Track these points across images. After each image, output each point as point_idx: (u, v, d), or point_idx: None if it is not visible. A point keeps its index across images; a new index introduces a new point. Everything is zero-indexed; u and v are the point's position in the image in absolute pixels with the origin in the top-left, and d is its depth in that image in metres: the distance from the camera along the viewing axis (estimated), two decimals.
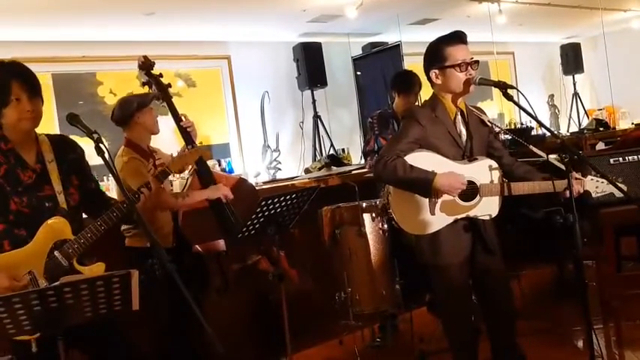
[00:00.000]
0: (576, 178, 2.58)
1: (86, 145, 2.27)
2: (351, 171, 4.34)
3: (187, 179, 3.29)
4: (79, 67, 5.95)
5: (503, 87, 2.58)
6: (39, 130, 2.30)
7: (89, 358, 2.35)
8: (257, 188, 3.98)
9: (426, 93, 2.90)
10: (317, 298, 3.71)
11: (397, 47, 7.22)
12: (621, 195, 2.57)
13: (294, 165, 6.93)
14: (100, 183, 4.60)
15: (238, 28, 6.55)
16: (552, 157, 2.71)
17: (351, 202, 3.54)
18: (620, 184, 2.55)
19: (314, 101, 7.10)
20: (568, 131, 8.38)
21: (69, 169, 2.31)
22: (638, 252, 3.87)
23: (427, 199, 2.65)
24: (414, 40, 6.98)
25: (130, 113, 3.07)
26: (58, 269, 2.14)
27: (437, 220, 2.67)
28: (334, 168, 4.31)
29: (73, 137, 2.45)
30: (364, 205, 3.50)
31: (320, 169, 4.69)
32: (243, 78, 6.97)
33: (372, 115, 4.12)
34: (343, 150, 6.78)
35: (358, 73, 7.75)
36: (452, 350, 2.87)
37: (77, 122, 2.17)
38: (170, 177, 2.85)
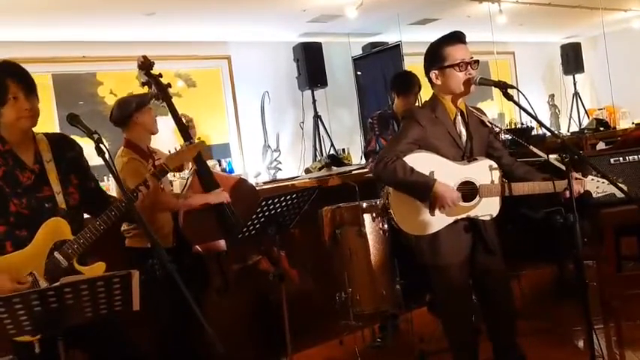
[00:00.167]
0: (576, 178, 2.58)
1: (86, 145, 2.27)
2: (351, 171, 4.34)
3: (187, 179, 3.29)
4: (79, 67, 5.95)
5: (504, 87, 2.57)
6: (38, 129, 2.30)
7: (90, 358, 2.35)
8: (257, 188, 3.98)
9: (426, 94, 2.90)
10: (317, 298, 3.70)
11: (397, 47, 7.22)
12: (622, 195, 2.57)
13: (295, 165, 6.93)
14: (101, 183, 4.61)
15: (238, 28, 6.55)
16: (552, 157, 2.70)
17: (352, 202, 3.54)
18: (620, 184, 2.54)
19: (314, 101, 7.10)
20: (568, 131, 8.38)
21: (68, 168, 2.30)
22: (639, 252, 3.87)
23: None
24: (414, 40, 6.98)
25: (128, 114, 3.07)
26: (59, 270, 2.14)
27: (436, 220, 2.67)
28: (334, 168, 4.31)
29: (73, 137, 2.45)
30: (364, 205, 3.50)
31: (320, 169, 4.69)
32: (244, 78, 6.97)
33: (372, 116, 4.12)
34: (343, 150, 6.78)
35: (358, 73, 7.75)
36: (452, 350, 2.87)
37: (77, 122, 2.17)
38: (170, 177, 2.85)
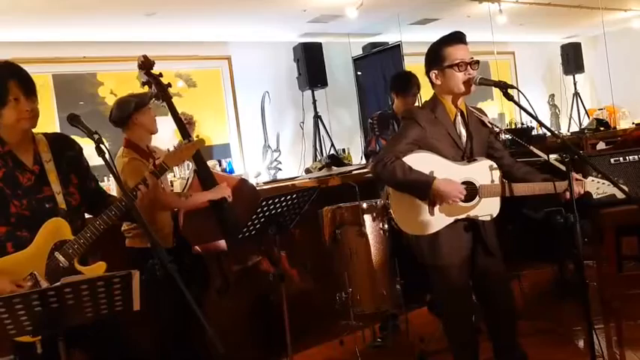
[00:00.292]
0: (576, 179, 2.58)
1: (87, 145, 2.27)
2: (351, 171, 4.34)
3: (188, 179, 3.29)
4: (79, 67, 5.95)
5: (504, 87, 2.58)
6: (38, 129, 2.29)
7: (90, 358, 2.35)
8: (257, 188, 3.98)
9: (427, 94, 2.90)
10: (318, 298, 3.70)
11: (398, 47, 7.22)
12: (623, 195, 2.56)
13: (295, 165, 6.93)
14: (101, 183, 4.61)
15: (239, 29, 6.55)
16: (553, 156, 2.70)
17: (352, 202, 3.54)
18: (621, 185, 2.53)
19: (314, 101, 7.10)
20: (569, 131, 8.37)
21: (67, 168, 2.30)
22: (639, 252, 3.87)
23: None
24: (414, 40, 6.98)
25: (128, 114, 3.06)
26: (59, 270, 2.15)
27: (436, 220, 2.67)
28: (335, 168, 4.31)
29: (73, 138, 2.45)
30: (365, 205, 3.50)
31: (320, 169, 4.69)
32: (244, 78, 6.97)
33: (372, 116, 4.12)
34: (344, 150, 6.79)
35: (359, 73, 7.76)
36: (452, 350, 2.87)
37: (78, 123, 2.17)
38: (170, 177, 2.84)
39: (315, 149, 7.07)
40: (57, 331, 1.82)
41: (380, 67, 7.47)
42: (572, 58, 8.99)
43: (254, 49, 7.04)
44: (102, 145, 2.08)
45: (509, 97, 2.60)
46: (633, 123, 7.83)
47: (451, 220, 2.68)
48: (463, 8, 6.96)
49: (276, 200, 2.82)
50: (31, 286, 2.08)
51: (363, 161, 5.34)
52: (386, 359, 3.63)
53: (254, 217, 2.79)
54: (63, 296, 1.75)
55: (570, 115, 8.95)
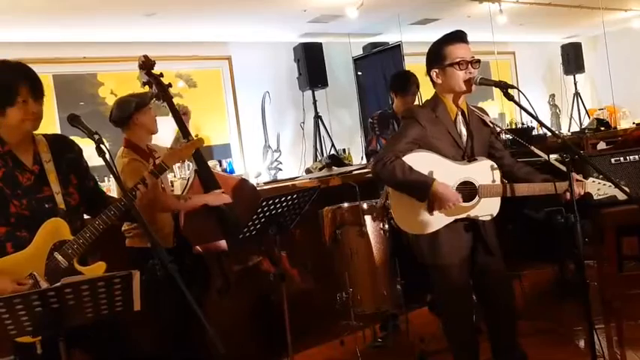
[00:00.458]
0: (577, 180, 2.57)
1: (87, 146, 2.27)
2: (352, 171, 4.34)
3: (188, 179, 3.29)
4: (80, 68, 5.95)
5: (504, 87, 2.57)
6: (39, 130, 2.29)
7: (90, 358, 2.35)
8: (258, 189, 3.98)
9: (428, 94, 2.90)
10: (318, 298, 3.70)
11: (398, 47, 7.23)
12: (624, 197, 2.55)
13: (295, 165, 6.93)
14: (101, 184, 4.60)
15: (239, 29, 6.55)
16: (553, 156, 2.70)
17: (352, 202, 3.54)
18: (623, 187, 2.53)
19: (315, 101, 7.11)
20: (569, 131, 8.37)
21: (67, 169, 2.30)
22: None
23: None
24: (414, 40, 6.98)
25: (128, 114, 3.06)
26: (59, 270, 2.14)
27: (436, 220, 2.66)
28: (335, 168, 4.31)
29: (73, 138, 2.45)
30: (365, 205, 3.50)
31: (321, 169, 4.69)
32: (244, 78, 6.97)
33: (372, 116, 4.13)
34: (344, 150, 6.79)
35: (359, 73, 7.76)
36: (452, 350, 2.87)
37: (78, 123, 2.17)
38: (171, 177, 2.84)
39: (316, 149, 7.07)
40: (57, 332, 1.82)
41: (380, 67, 7.47)
42: (572, 58, 8.99)
43: (254, 50, 7.04)
44: (102, 146, 2.08)
45: (510, 97, 2.60)
46: (634, 123, 7.82)
47: (451, 219, 2.67)
48: (463, 8, 6.96)
49: (277, 200, 2.81)
50: (32, 285, 2.08)
51: (364, 161, 5.35)
52: (386, 359, 3.62)
53: (254, 217, 2.79)
54: (63, 296, 1.75)
55: (571, 115, 8.95)
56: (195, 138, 2.71)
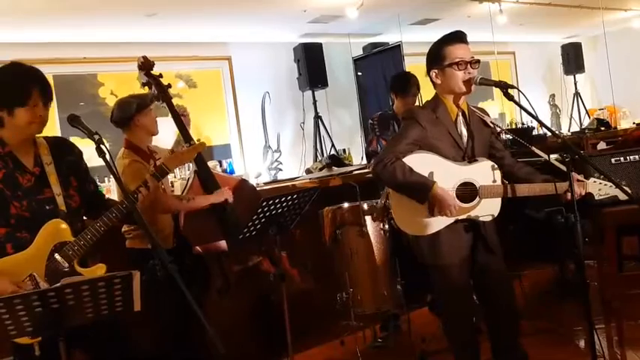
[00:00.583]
0: (578, 180, 2.57)
1: (87, 146, 2.27)
2: (352, 171, 4.34)
3: (188, 180, 3.29)
4: (80, 68, 5.96)
5: (504, 87, 2.57)
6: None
7: (90, 358, 2.35)
8: (258, 189, 3.98)
9: (428, 95, 2.90)
10: (318, 298, 3.70)
11: (398, 47, 7.23)
12: (625, 197, 2.55)
13: (295, 165, 6.94)
14: (102, 184, 4.61)
15: (239, 29, 6.56)
16: (553, 157, 2.70)
17: (353, 202, 3.54)
18: (624, 187, 2.52)
19: (315, 102, 7.11)
20: (569, 131, 8.37)
21: (67, 171, 2.31)
22: None
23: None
24: (414, 41, 6.98)
25: (129, 115, 3.06)
26: (59, 271, 2.15)
27: (436, 220, 2.66)
28: (335, 168, 4.31)
29: (74, 139, 2.45)
30: (365, 205, 3.50)
31: (321, 169, 4.69)
32: (244, 79, 6.98)
33: (372, 117, 4.13)
34: (344, 150, 6.79)
35: (359, 73, 7.76)
36: (453, 350, 2.86)
37: (78, 124, 2.17)
38: (171, 178, 2.84)
39: (316, 149, 7.07)
40: (57, 332, 1.83)
41: (380, 68, 7.47)
42: (572, 58, 8.99)
43: (254, 50, 7.04)
44: (102, 146, 2.08)
45: (510, 97, 2.59)
46: (634, 123, 7.82)
47: (451, 220, 2.67)
48: (463, 8, 6.96)
49: (277, 201, 2.82)
50: (32, 286, 2.08)
51: (364, 161, 5.34)
52: (386, 359, 3.62)
53: (255, 217, 2.79)
54: (63, 297, 1.75)
55: (571, 115, 8.95)
56: (196, 142, 2.72)
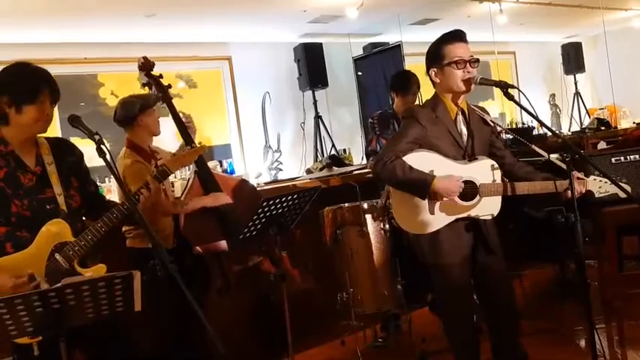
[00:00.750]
0: (578, 178, 2.57)
1: (88, 146, 2.28)
2: (352, 171, 4.34)
3: (188, 180, 3.29)
4: (80, 68, 5.96)
5: (504, 87, 2.57)
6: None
7: (91, 358, 2.35)
8: (258, 189, 3.98)
9: (428, 94, 2.90)
10: (319, 298, 3.71)
11: (398, 47, 7.23)
12: (624, 195, 2.55)
13: (296, 165, 6.94)
14: (102, 185, 4.62)
15: (239, 29, 6.56)
16: (554, 156, 2.70)
17: (353, 202, 3.54)
18: (623, 185, 2.53)
19: (315, 102, 7.11)
20: (569, 131, 8.37)
21: (68, 171, 2.31)
22: None
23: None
24: (414, 40, 6.98)
25: (133, 115, 3.07)
26: (59, 271, 2.15)
27: (437, 219, 2.66)
28: (335, 168, 4.31)
29: (74, 139, 2.46)
30: (365, 205, 3.50)
31: (321, 169, 4.69)
32: (244, 79, 6.98)
33: (372, 116, 4.13)
34: (344, 150, 6.80)
35: (359, 73, 7.76)
36: (453, 350, 2.86)
37: (79, 124, 2.18)
38: (171, 178, 2.85)
39: (316, 149, 7.07)
40: (58, 332, 1.83)
41: (380, 67, 7.47)
42: (572, 58, 8.99)
43: (254, 50, 7.04)
44: (103, 146, 2.09)
45: (510, 97, 2.59)
46: (634, 122, 7.82)
47: (452, 219, 2.67)
48: (463, 8, 6.96)
49: (277, 201, 2.82)
50: (32, 285, 2.08)
51: (364, 161, 5.34)
52: (387, 359, 3.62)
53: (255, 217, 2.79)
54: (64, 297, 1.75)
55: (571, 114, 8.95)
56: (198, 145, 2.72)
